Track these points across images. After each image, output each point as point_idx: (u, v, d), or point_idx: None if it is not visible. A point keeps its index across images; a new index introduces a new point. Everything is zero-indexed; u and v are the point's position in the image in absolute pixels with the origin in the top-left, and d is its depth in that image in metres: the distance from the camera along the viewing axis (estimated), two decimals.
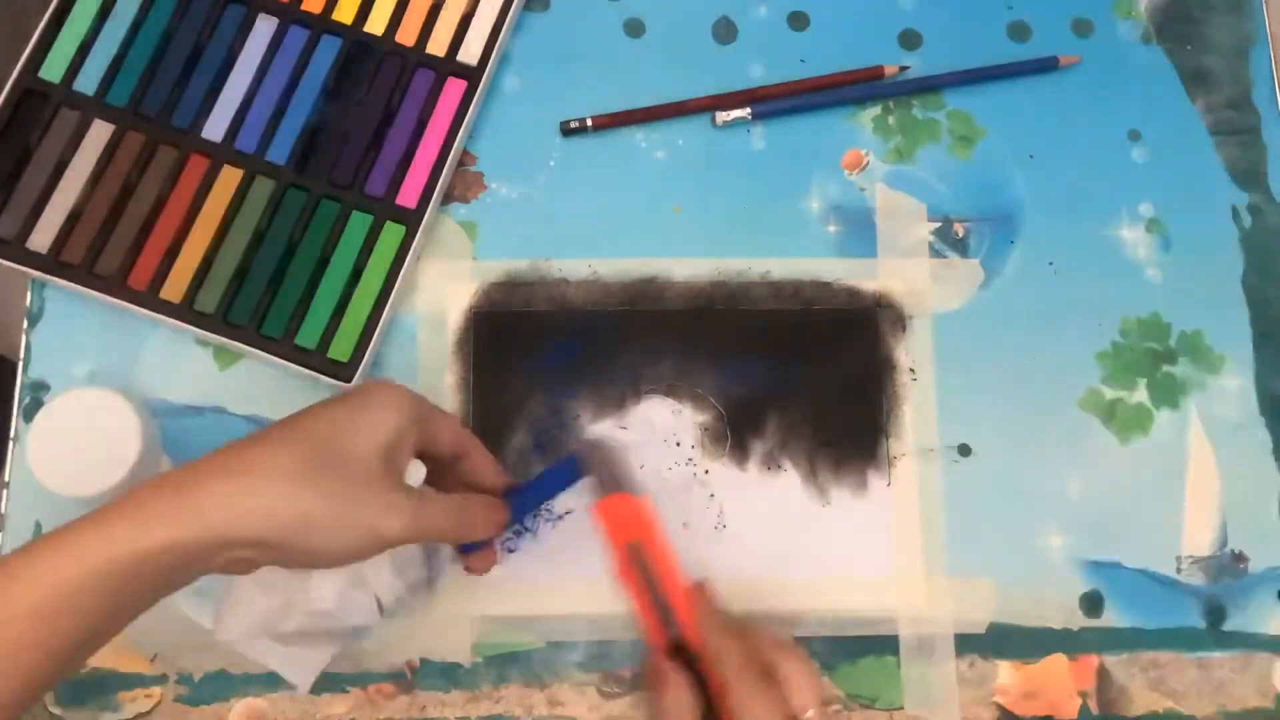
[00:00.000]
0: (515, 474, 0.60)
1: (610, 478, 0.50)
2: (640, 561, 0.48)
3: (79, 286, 0.60)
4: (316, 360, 0.60)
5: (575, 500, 0.60)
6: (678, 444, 0.61)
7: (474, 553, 0.53)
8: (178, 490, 0.43)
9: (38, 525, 0.59)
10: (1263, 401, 0.64)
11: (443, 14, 0.65)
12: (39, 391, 0.60)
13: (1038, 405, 0.63)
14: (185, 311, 0.60)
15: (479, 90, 0.64)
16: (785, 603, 0.60)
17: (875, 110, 0.67)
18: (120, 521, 0.42)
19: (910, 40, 0.68)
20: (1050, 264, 0.65)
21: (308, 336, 0.60)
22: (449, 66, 0.64)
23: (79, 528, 0.42)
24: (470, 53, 0.64)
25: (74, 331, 0.61)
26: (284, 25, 0.64)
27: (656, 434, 0.61)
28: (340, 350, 0.60)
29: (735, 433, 0.62)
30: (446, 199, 0.64)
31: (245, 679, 0.58)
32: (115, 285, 0.60)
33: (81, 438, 0.57)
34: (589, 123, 0.65)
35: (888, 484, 0.62)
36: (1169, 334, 0.64)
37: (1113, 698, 0.60)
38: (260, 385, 0.61)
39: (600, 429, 0.61)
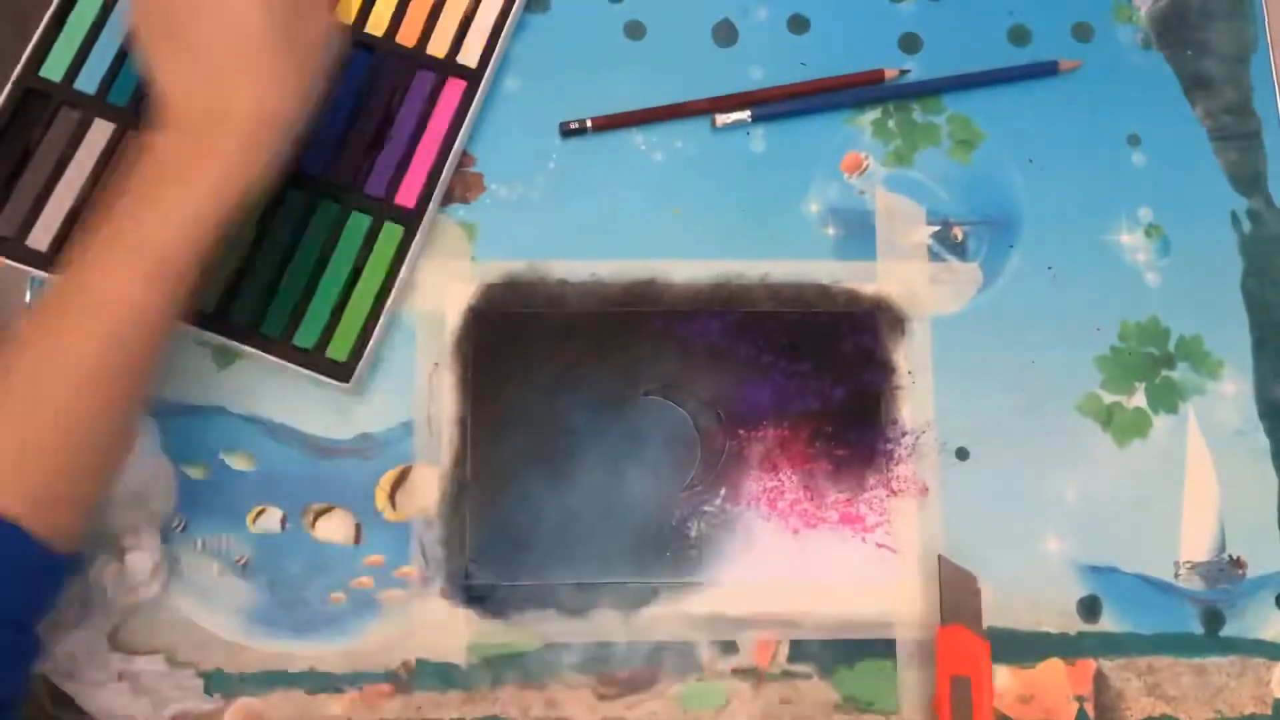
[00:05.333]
0: (514, 477, 0.60)
1: (963, 606, 0.53)
2: (963, 698, 0.49)
3: None
4: (315, 360, 0.60)
5: None
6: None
7: None
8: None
9: None
10: (1261, 406, 0.64)
11: (443, 15, 0.65)
12: None
13: (1036, 409, 0.63)
14: None
15: (479, 91, 0.64)
16: (782, 605, 0.60)
17: (875, 113, 0.67)
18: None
19: (910, 44, 0.68)
20: (1049, 268, 0.65)
21: (306, 336, 0.60)
22: (449, 68, 0.64)
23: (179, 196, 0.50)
24: (470, 54, 0.64)
25: None
26: None
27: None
28: (339, 350, 0.60)
29: (733, 435, 0.62)
30: (446, 200, 0.64)
31: (241, 678, 0.58)
32: None
33: None
34: (589, 124, 0.65)
35: (885, 487, 0.62)
36: (1168, 339, 0.64)
37: (1109, 703, 0.60)
38: (259, 385, 0.61)
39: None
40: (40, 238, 0.60)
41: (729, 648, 0.60)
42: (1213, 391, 0.64)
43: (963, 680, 0.49)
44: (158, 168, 0.50)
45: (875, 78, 0.67)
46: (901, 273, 0.64)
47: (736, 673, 0.60)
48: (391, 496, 0.60)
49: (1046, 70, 0.67)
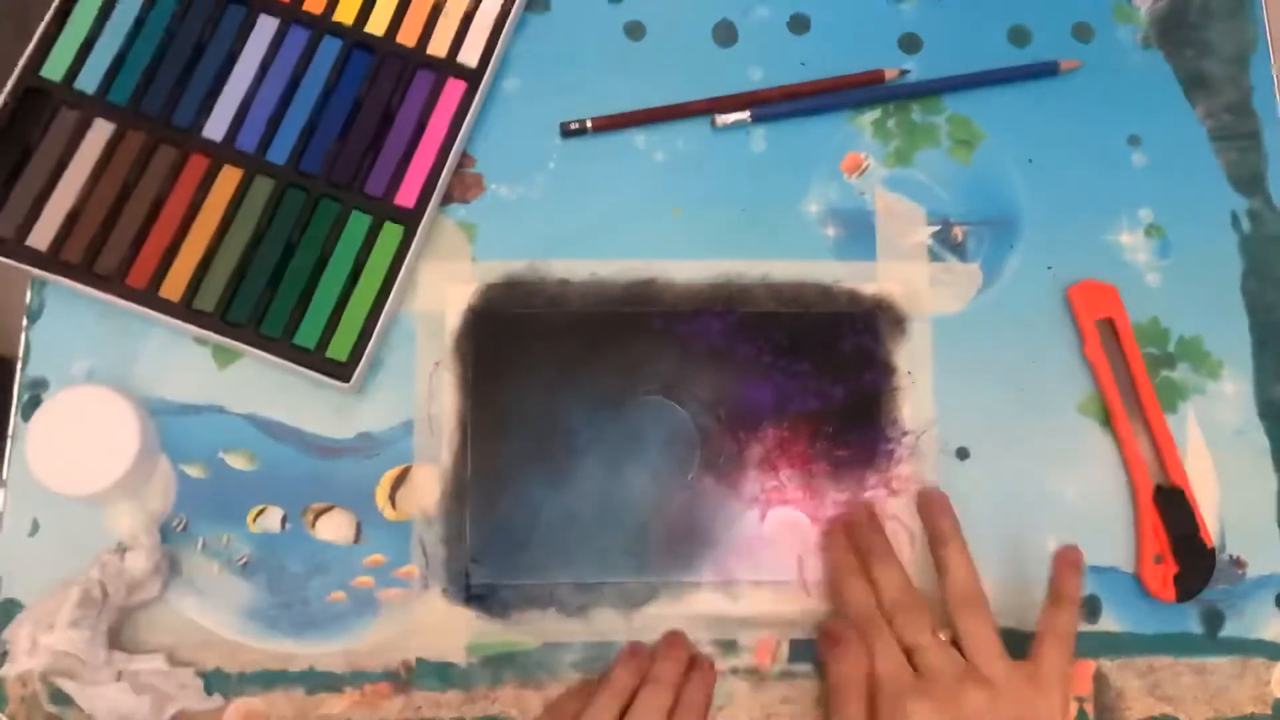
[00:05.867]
0: (514, 477, 0.60)
1: None
2: (1111, 338, 0.56)
3: (78, 285, 0.60)
4: (315, 360, 0.60)
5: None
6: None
7: None
8: None
9: (35, 523, 0.59)
10: (1261, 406, 0.64)
11: (443, 15, 0.65)
12: (38, 389, 0.61)
13: (1036, 409, 0.63)
14: (184, 310, 0.60)
15: (479, 91, 0.64)
16: (782, 605, 0.60)
17: (875, 114, 0.67)
18: None
19: (910, 44, 0.68)
20: (1049, 268, 0.65)
21: (306, 336, 0.60)
22: (449, 68, 0.64)
23: None
24: (470, 54, 0.64)
25: (73, 329, 0.61)
26: (284, 25, 0.64)
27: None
28: (339, 350, 0.60)
29: (733, 435, 0.62)
30: (446, 199, 0.64)
31: (241, 678, 0.58)
32: (114, 284, 0.60)
33: (80, 436, 0.57)
34: (589, 124, 0.65)
35: (885, 487, 0.61)
36: (1168, 339, 0.64)
37: (1109, 703, 0.60)
38: (258, 384, 0.61)
39: None
40: (40, 238, 0.60)
41: (729, 648, 0.60)
42: (1213, 392, 0.64)
43: (1105, 322, 0.59)
44: None
45: (875, 78, 0.67)
46: (901, 273, 0.64)
47: (736, 672, 0.60)
48: (392, 496, 0.60)
49: (1046, 70, 0.67)
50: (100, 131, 0.62)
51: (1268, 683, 0.61)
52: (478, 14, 0.65)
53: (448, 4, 0.65)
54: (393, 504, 0.60)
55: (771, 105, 0.66)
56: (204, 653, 0.58)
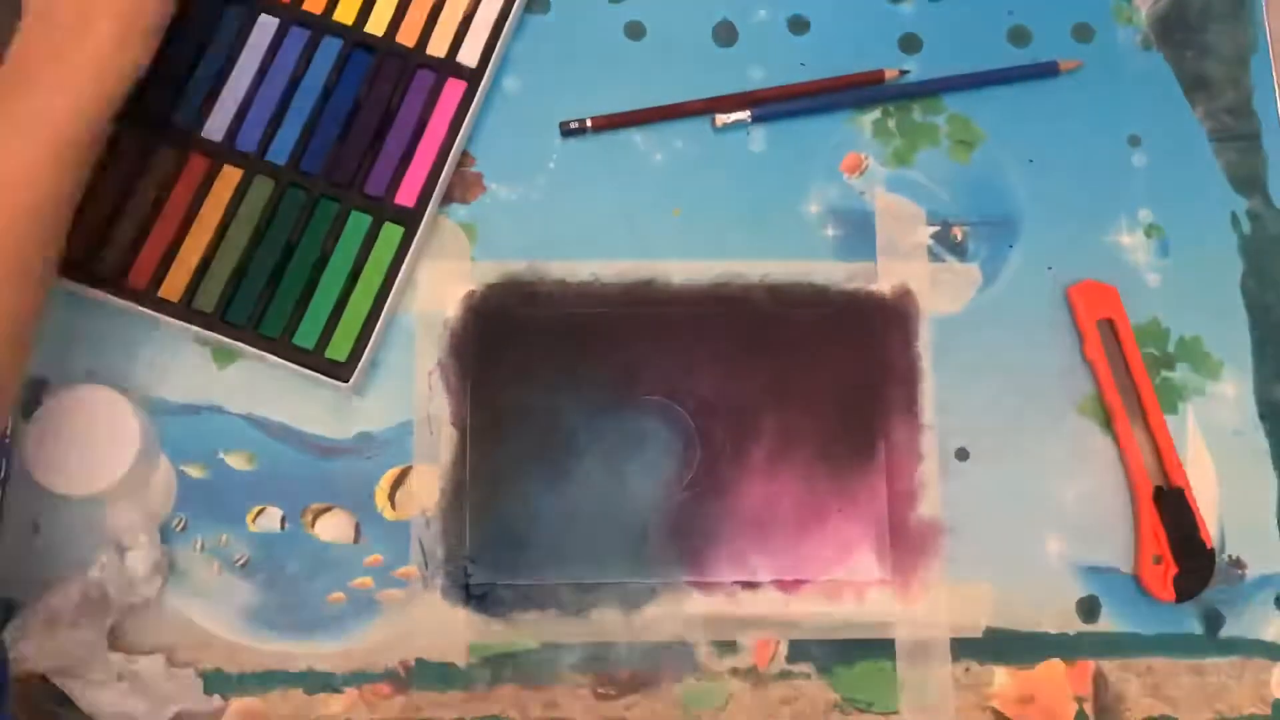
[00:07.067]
0: (513, 477, 0.60)
1: None
2: (1111, 338, 0.56)
3: (78, 285, 0.60)
4: (314, 360, 0.60)
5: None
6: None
7: None
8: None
9: (35, 524, 0.59)
10: (1261, 407, 0.64)
11: (443, 15, 0.65)
12: (38, 389, 0.61)
13: (1036, 410, 0.63)
14: (184, 310, 0.60)
15: (479, 91, 0.64)
16: (782, 605, 0.60)
17: (875, 114, 0.67)
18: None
19: (910, 44, 0.68)
20: (1049, 268, 0.65)
21: (306, 336, 0.60)
22: (449, 68, 0.64)
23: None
24: (470, 54, 0.64)
25: (73, 329, 0.61)
26: (284, 25, 0.64)
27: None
28: (338, 350, 0.60)
29: (733, 436, 0.62)
30: (446, 199, 0.64)
31: (240, 678, 0.58)
32: (115, 284, 0.60)
33: (79, 436, 0.57)
34: (588, 124, 0.65)
35: (885, 487, 0.61)
36: (1167, 339, 0.64)
37: (1109, 703, 0.60)
38: (258, 384, 0.61)
39: None
40: None
41: (728, 648, 0.60)
42: (1212, 392, 0.64)
43: (1106, 323, 0.60)
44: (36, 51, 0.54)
45: (875, 78, 0.67)
46: (901, 273, 0.64)
47: (736, 673, 0.60)
48: (391, 496, 0.60)
49: (1046, 71, 0.67)
50: None
51: (1268, 683, 0.61)
52: (477, 14, 0.65)
53: (447, 4, 0.65)
54: (392, 504, 0.60)
55: (771, 105, 0.66)
56: (204, 653, 0.58)
